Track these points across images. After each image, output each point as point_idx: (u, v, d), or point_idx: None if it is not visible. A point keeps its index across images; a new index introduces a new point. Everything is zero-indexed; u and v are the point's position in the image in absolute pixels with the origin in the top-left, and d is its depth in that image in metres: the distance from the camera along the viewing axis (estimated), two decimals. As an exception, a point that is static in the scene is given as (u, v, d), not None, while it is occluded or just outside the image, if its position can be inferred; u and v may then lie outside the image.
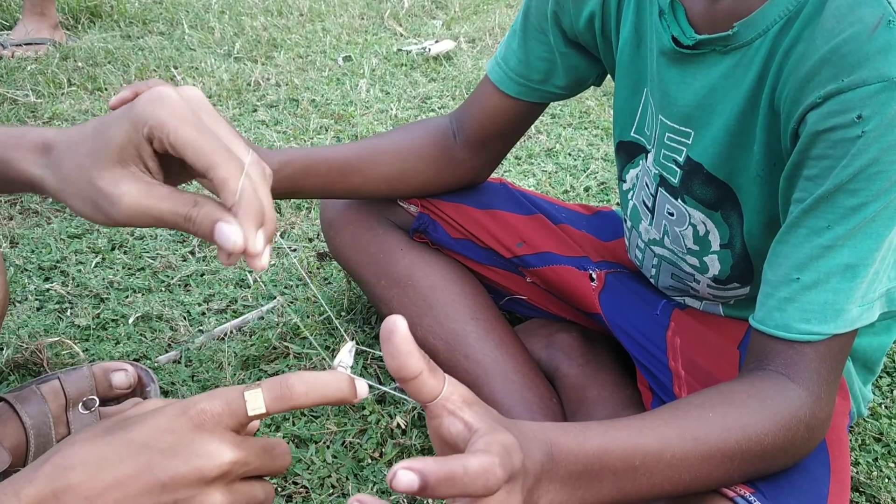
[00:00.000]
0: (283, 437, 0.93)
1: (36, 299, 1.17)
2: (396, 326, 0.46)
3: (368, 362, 1.07)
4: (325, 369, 1.03)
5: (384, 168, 0.96)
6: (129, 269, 1.25)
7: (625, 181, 0.90)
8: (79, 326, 1.12)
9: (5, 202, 1.42)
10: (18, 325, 1.11)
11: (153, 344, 1.09)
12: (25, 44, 2.09)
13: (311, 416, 0.97)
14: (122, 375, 0.92)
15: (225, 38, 2.26)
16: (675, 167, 0.78)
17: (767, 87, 0.66)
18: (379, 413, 0.96)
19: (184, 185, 0.96)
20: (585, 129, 1.78)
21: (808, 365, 0.63)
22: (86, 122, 0.53)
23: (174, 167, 0.54)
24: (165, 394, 1.00)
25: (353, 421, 0.96)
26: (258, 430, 0.94)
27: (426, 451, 0.92)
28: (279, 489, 0.87)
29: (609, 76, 0.91)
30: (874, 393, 1.03)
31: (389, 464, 0.89)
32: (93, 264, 1.25)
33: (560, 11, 0.84)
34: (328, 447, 0.92)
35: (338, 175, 0.94)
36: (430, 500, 0.86)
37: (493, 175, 1.05)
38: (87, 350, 1.07)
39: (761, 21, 0.65)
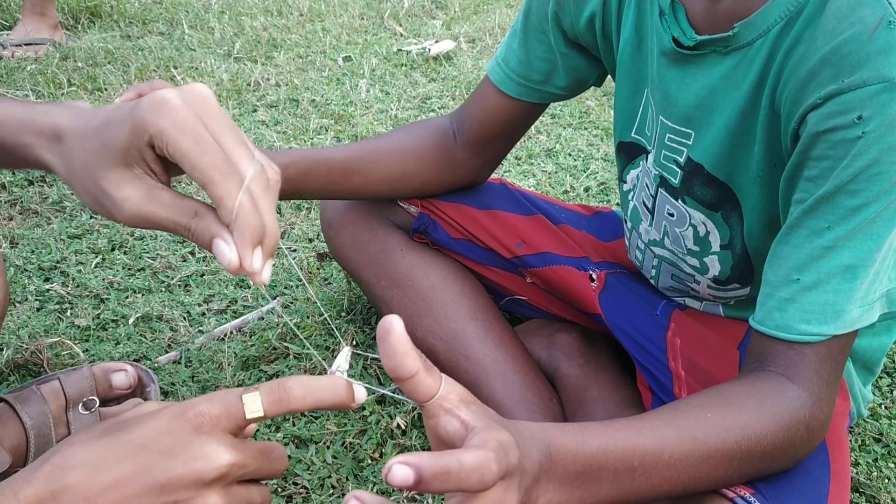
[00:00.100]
0: (284, 438, 0.93)
1: (36, 300, 1.17)
2: (393, 326, 0.46)
3: (368, 363, 1.07)
4: (324, 371, 1.03)
5: (385, 169, 0.96)
6: (129, 269, 1.25)
7: (625, 182, 0.90)
8: (79, 327, 1.12)
9: (5, 202, 1.42)
10: (18, 326, 1.11)
11: (153, 344, 1.09)
12: (25, 44, 2.09)
13: (311, 416, 0.97)
14: (123, 376, 0.92)
15: (225, 38, 2.26)
16: (675, 168, 0.78)
17: (768, 88, 0.66)
18: (379, 413, 0.96)
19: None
20: (585, 129, 1.78)
21: (807, 366, 0.63)
22: (95, 108, 0.51)
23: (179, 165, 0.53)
24: (165, 394, 1.00)
25: (353, 421, 0.96)
26: (257, 429, 0.94)
27: (426, 451, 0.92)
28: (279, 489, 0.87)
29: (609, 77, 0.91)
30: (874, 393, 1.03)
31: (389, 464, 0.89)
32: (93, 265, 1.25)
33: (561, 12, 0.84)
34: (328, 448, 0.92)
35: (339, 176, 0.94)
36: (429, 500, 0.86)
37: (493, 175, 1.05)
38: (87, 350, 1.07)
39: (762, 22, 0.65)
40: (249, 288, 1.21)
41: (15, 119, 0.50)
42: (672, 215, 0.82)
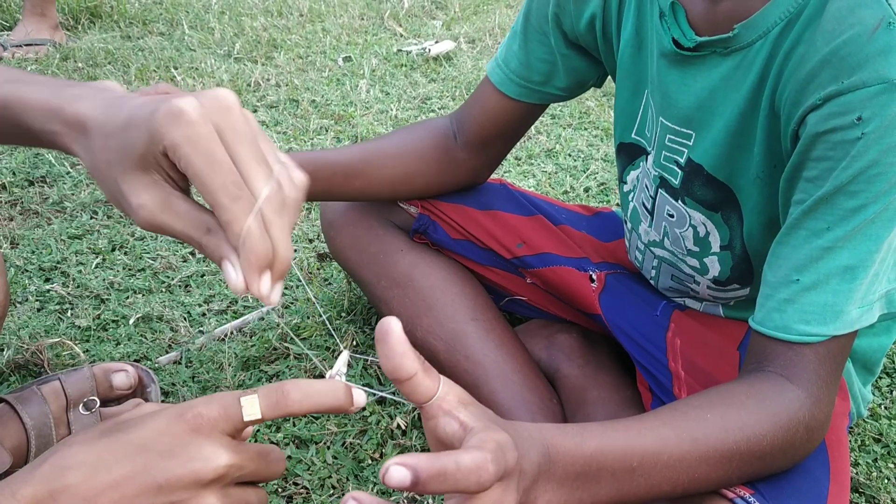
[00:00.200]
0: (284, 438, 0.93)
1: (36, 300, 1.17)
2: (391, 328, 0.46)
3: (369, 363, 1.07)
4: (322, 373, 1.03)
5: (387, 171, 0.96)
6: (129, 269, 1.25)
7: (625, 183, 0.90)
8: (79, 327, 1.12)
9: (6, 203, 1.42)
10: (19, 326, 1.11)
11: (154, 345, 1.09)
12: (26, 45, 2.09)
13: (312, 417, 0.97)
14: (123, 376, 0.93)
15: (225, 38, 2.26)
16: (676, 168, 0.78)
17: (768, 89, 0.66)
18: (379, 414, 0.96)
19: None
20: (585, 129, 1.78)
21: (807, 366, 0.63)
22: (122, 99, 0.48)
23: None
24: (166, 395, 1.01)
25: (353, 422, 0.96)
26: (258, 430, 0.94)
27: (426, 451, 0.92)
28: (280, 490, 0.87)
29: (610, 77, 0.91)
30: (874, 394, 1.03)
31: (390, 464, 0.89)
32: (93, 265, 1.25)
33: (561, 13, 0.84)
34: (328, 448, 0.92)
35: (341, 179, 0.94)
36: (430, 500, 0.86)
37: (493, 175, 1.05)
38: (87, 351, 1.07)
39: (762, 23, 0.65)
40: (250, 288, 1.21)
41: (43, 105, 0.48)
42: (672, 216, 0.82)
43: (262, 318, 1.15)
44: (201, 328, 1.13)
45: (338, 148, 0.98)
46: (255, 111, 1.82)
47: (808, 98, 0.61)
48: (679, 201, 0.80)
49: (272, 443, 0.93)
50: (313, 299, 1.17)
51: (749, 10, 0.65)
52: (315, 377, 1.03)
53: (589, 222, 1.06)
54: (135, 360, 1.06)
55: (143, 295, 1.19)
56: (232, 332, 1.12)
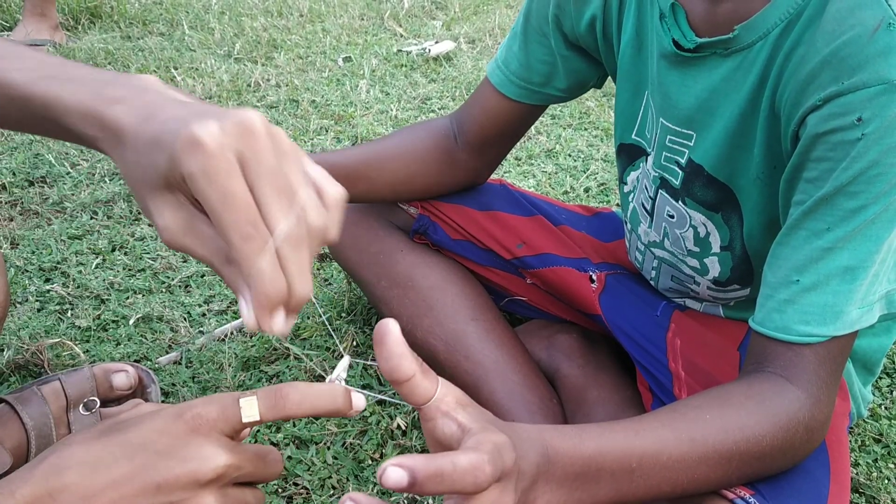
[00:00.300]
0: (284, 438, 0.93)
1: (36, 300, 1.17)
2: (389, 329, 0.46)
3: (369, 363, 1.07)
4: (322, 376, 1.03)
5: (389, 174, 0.96)
6: (129, 270, 1.25)
7: (625, 183, 0.90)
8: (79, 327, 1.12)
9: (6, 203, 1.42)
10: (19, 327, 1.11)
11: (154, 345, 1.09)
12: (26, 45, 2.09)
13: (312, 417, 0.97)
14: (123, 376, 0.93)
15: (225, 38, 2.26)
16: (676, 169, 0.78)
17: (768, 90, 0.66)
18: (379, 414, 0.96)
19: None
20: (585, 129, 1.78)
21: (806, 367, 0.63)
22: (155, 109, 0.46)
23: None
24: (166, 395, 1.01)
25: (353, 422, 0.96)
26: (258, 430, 0.94)
27: (426, 452, 0.92)
28: (280, 490, 0.87)
29: (610, 78, 0.91)
30: (874, 394, 1.03)
31: (390, 465, 0.89)
32: (93, 265, 1.25)
33: (561, 14, 0.84)
34: (329, 448, 0.92)
35: (344, 182, 0.93)
36: (430, 501, 0.86)
37: (493, 176, 1.05)
38: (87, 351, 1.07)
39: (762, 24, 0.65)
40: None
41: (82, 108, 0.46)
42: (672, 217, 0.82)
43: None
44: (201, 328, 1.13)
45: (338, 151, 0.98)
46: (255, 111, 1.82)
47: (809, 99, 0.61)
48: (679, 202, 0.80)
49: (272, 443, 0.93)
50: (313, 299, 1.17)
51: (749, 12, 0.65)
52: (315, 378, 1.03)
53: (589, 223, 1.06)
54: (135, 361, 1.06)
55: (144, 295, 1.19)
56: (232, 333, 1.12)
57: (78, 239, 1.32)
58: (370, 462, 0.91)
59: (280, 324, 0.44)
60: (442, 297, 0.98)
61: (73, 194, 1.45)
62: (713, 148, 0.73)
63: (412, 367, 0.47)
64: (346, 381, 0.51)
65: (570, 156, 1.66)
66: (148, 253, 1.29)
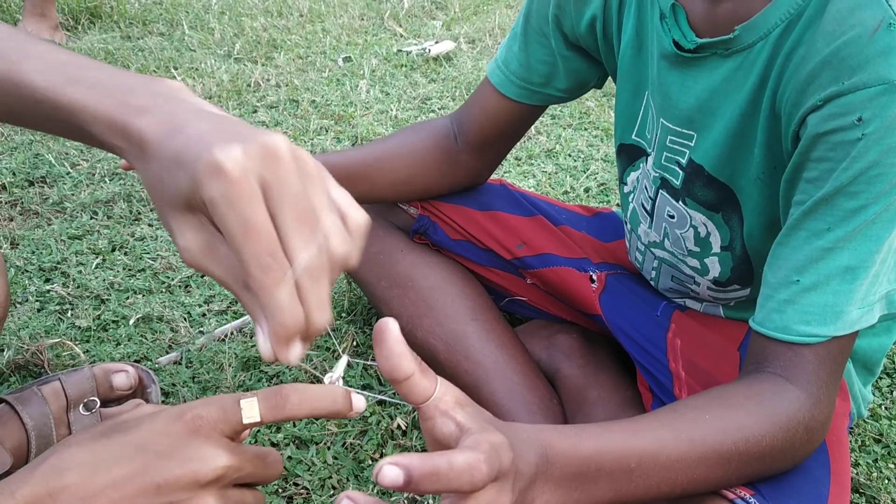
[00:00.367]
0: (285, 438, 0.93)
1: (37, 300, 1.17)
2: (388, 328, 0.46)
3: (369, 363, 1.07)
4: (322, 371, 1.03)
5: (390, 174, 0.96)
6: (129, 270, 1.25)
7: (625, 184, 0.90)
8: (79, 328, 1.12)
9: (6, 203, 1.42)
10: (19, 327, 1.11)
11: (154, 345, 1.09)
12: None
13: (312, 417, 0.97)
14: (123, 376, 0.93)
15: (225, 38, 2.26)
16: (677, 169, 0.78)
17: (769, 90, 0.66)
18: (379, 414, 0.96)
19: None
20: (585, 129, 1.78)
21: (806, 367, 0.63)
22: (179, 122, 0.44)
23: None
24: (166, 395, 1.01)
25: (353, 422, 0.96)
26: (259, 430, 0.94)
27: (425, 452, 0.92)
28: (280, 490, 0.87)
29: (610, 78, 0.91)
30: (874, 394, 1.03)
31: (390, 465, 0.89)
32: (93, 265, 1.25)
33: (561, 15, 0.84)
34: (329, 448, 0.92)
35: (345, 183, 0.93)
36: (430, 501, 0.86)
37: (493, 176, 1.05)
38: (87, 351, 1.07)
39: (762, 24, 0.65)
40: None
41: (108, 119, 0.45)
42: (672, 217, 0.82)
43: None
44: (201, 328, 1.13)
45: (339, 151, 0.98)
46: (255, 111, 1.82)
47: (809, 99, 0.61)
48: (680, 202, 0.80)
49: (273, 443, 0.93)
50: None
51: (750, 12, 0.65)
52: (315, 378, 1.03)
53: (589, 223, 1.06)
54: (135, 361, 1.06)
55: (144, 295, 1.19)
56: (232, 333, 1.12)
57: (78, 239, 1.32)
58: (370, 462, 0.91)
59: (297, 355, 0.43)
60: (442, 298, 0.98)
61: (73, 194, 1.45)
62: (714, 148, 0.73)
63: (411, 365, 0.47)
64: (346, 382, 0.51)
65: (570, 156, 1.66)
66: (148, 253, 1.29)
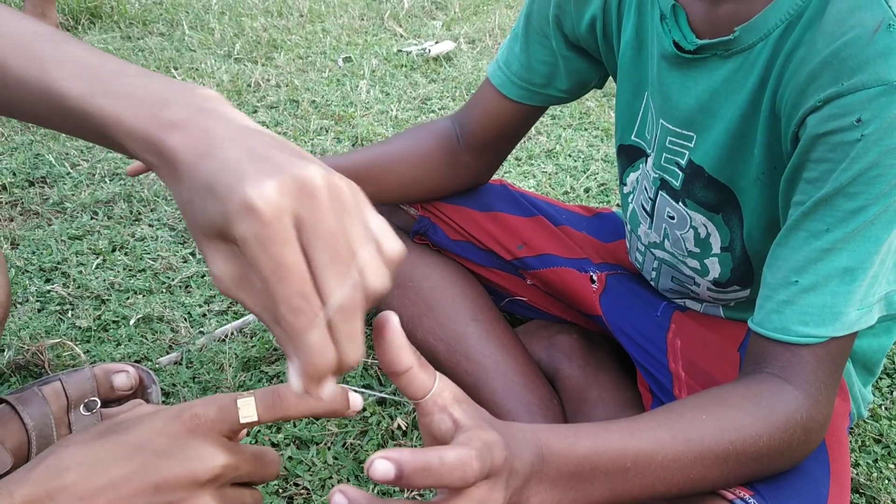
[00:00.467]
0: (285, 439, 0.93)
1: (37, 301, 1.17)
2: (388, 321, 0.47)
3: (369, 363, 1.07)
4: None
5: (395, 177, 0.96)
6: (129, 270, 1.26)
7: (625, 184, 0.90)
8: (80, 328, 1.12)
9: (6, 203, 1.42)
10: (20, 327, 1.11)
11: (154, 345, 1.09)
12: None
13: (310, 417, 0.97)
14: (124, 377, 0.93)
15: (225, 39, 2.26)
16: (677, 170, 0.78)
17: (769, 91, 0.66)
18: (380, 415, 0.96)
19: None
20: (585, 130, 1.78)
21: (804, 367, 0.63)
22: (214, 142, 0.42)
23: None
24: (167, 395, 1.01)
25: (353, 422, 0.96)
26: (259, 430, 0.94)
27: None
28: (280, 490, 0.87)
29: (611, 78, 0.91)
30: (874, 394, 1.03)
31: (390, 465, 0.90)
32: (94, 266, 1.25)
33: (562, 15, 0.84)
34: (329, 448, 0.92)
35: None
36: (431, 497, 0.86)
37: (494, 176, 1.05)
38: (88, 351, 1.07)
39: (763, 25, 0.65)
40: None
41: (141, 134, 0.43)
42: (672, 218, 0.82)
43: (263, 319, 1.15)
44: (202, 329, 1.13)
45: (344, 154, 0.99)
46: (255, 112, 1.83)
47: (808, 100, 0.61)
48: (680, 203, 0.80)
49: (273, 443, 0.93)
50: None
51: (750, 13, 0.65)
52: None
53: (589, 223, 1.06)
54: (135, 361, 1.06)
55: (144, 295, 1.20)
56: (232, 333, 1.12)
57: (78, 239, 1.33)
58: (370, 462, 0.91)
59: (329, 391, 0.42)
60: (442, 298, 0.98)
61: (73, 194, 1.45)
62: (713, 149, 0.73)
63: (410, 358, 0.47)
64: (346, 382, 0.52)
65: (570, 156, 1.66)
66: (148, 253, 1.29)
